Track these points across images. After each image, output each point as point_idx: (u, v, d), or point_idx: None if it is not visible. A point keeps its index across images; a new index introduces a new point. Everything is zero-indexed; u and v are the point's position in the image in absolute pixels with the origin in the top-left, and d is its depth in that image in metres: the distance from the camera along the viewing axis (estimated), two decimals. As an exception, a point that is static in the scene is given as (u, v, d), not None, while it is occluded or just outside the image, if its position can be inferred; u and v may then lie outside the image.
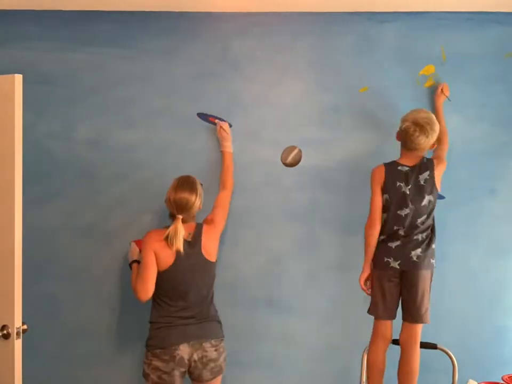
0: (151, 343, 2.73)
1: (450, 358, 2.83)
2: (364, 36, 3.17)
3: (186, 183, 2.78)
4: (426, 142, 2.85)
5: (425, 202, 2.86)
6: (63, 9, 3.20)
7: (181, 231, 2.71)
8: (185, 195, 2.74)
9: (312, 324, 3.20)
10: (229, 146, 3.11)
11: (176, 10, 3.18)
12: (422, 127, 2.82)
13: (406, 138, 2.88)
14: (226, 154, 3.11)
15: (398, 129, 2.94)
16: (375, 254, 2.91)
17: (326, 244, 3.18)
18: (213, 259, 2.82)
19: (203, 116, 3.20)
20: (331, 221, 3.17)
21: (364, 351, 2.95)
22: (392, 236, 2.88)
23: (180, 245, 2.69)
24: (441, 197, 3.13)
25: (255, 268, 3.21)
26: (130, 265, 2.93)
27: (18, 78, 2.36)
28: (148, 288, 2.71)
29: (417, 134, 2.82)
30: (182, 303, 2.75)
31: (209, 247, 2.80)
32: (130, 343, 3.22)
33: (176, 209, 2.74)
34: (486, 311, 3.14)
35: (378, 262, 2.90)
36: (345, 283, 3.16)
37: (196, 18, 3.19)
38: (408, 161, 2.91)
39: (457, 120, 3.13)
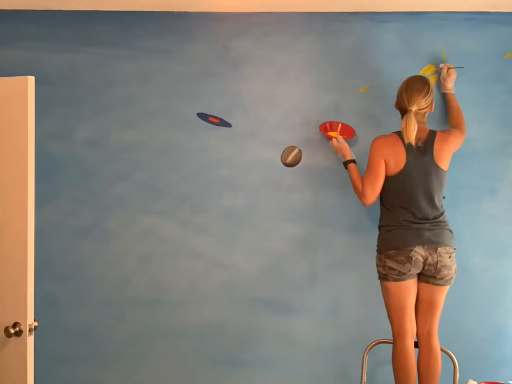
0: (384, 245, 2.80)
1: (452, 359, 2.82)
2: (364, 36, 3.16)
3: (417, 79, 2.85)
4: None
5: None
6: (63, 9, 3.20)
7: (413, 123, 2.73)
8: (416, 87, 2.79)
9: (312, 324, 3.20)
10: (451, 89, 3.08)
11: (176, 10, 3.18)
12: None
13: None
14: (451, 96, 3.08)
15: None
16: None
17: (326, 244, 3.18)
18: (444, 167, 2.80)
19: (203, 116, 3.20)
20: (331, 221, 3.17)
21: (365, 351, 2.94)
22: None
23: (411, 136, 2.72)
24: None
25: (255, 268, 3.21)
26: (344, 165, 2.99)
27: (31, 79, 2.39)
28: (376, 195, 2.81)
29: None
30: (413, 208, 2.77)
31: (442, 154, 2.79)
32: (131, 343, 3.22)
33: (408, 100, 2.78)
34: (486, 311, 3.14)
35: None
36: (345, 283, 3.16)
37: (196, 18, 3.19)
38: None
39: (457, 120, 3.13)
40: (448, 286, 2.79)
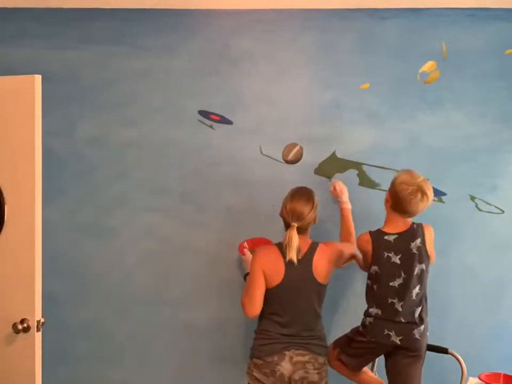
0: (253, 353, 2.72)
1: (460, 363, 2.82)
2: (365, 33, 3.16)
3: (302, 193, 2.76)
4: (423, 207, 2.72)
5: (417, 271, 2.71)
6: (63, 7, 3.19)
7: (295, 239, 2.65)
8: (300, 203, 2.70)
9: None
10: (346, 203, 3.02)
11: (176, 8, 3.18)
12: (424, 193, 2.68)
13: (403, 202, 2.70)
14: (345, 211, 3.01)
15: (389, 191, 2.79)
16: (371, 323, 2.76)
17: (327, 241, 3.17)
18: (324, 281, 2.72)
19: (204, 113, 3.20)
20: (332, 218, 3.16)
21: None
22: (389, 310, 2.72)
23: (293, 255, 2.64)
24: (442, 194, 3.13)
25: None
26: (244, 277, 2.91)
27: (38, 78, 2.47)
28: (255, 307, 2.69)
29: (419, 198, 2.68)
30: (287, 321, 2.69)
31: (321, 268, 2.70)
32: (133, 341, 3.22)
33: (292, 217, 2.68)
34: (488, 308, 3.14)
35: (376, 333, 2.75)
36: (346, 280, 3.16)
37: (196, 16, 3.19)
38: (395, 228, 2.77)
39: (458, 117, 3.13)
40: None
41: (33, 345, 2.44)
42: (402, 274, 2.71)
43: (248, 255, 2.97)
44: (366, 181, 3.16)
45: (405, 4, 3.09)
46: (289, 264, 2.66)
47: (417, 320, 2.72)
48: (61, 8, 3.20)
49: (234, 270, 3.19)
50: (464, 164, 3.12)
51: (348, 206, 3.01)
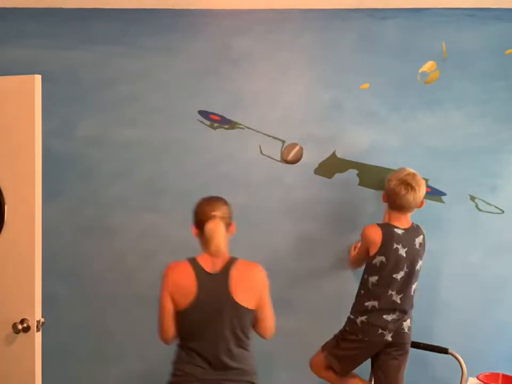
0: None
1: (460, 363, 2.82)
2: (365, 33, 3.16)
3: (213, 198, 2.44)
4: (415, 200, 2.80)
5: (418, 267, 2.79)
6: (63, 7, 3.19)
7: (219, 227, 2.29)
8: (214, 201, 2.41)
9: (312, 322, 3.20)
10: None
11: (177, 8, 3.18)
12: (408, 184, 2.78)
13: (394, 197, 2.81)
14: None
15: (384, 191, 2.92)
16: (364, 322, 2.82)
17: (327, 241, 3.18)
18: (249, 305, 2.30)
19: (204, 113, 3.20)
20: (332, 218, 3.17)
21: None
22: (387, 302, 2.78)
23: (219, 241, 2.28)
24: (442, 193, 3.13)
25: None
26: None
27: (38, 78, 2.48)
28: (167, 334, 2.37)
29: (403, 191, 2.77)
30: (204, 350, 2.30)
31: (242, 288, 2.29)
32: (131, 342, 3.22)
33: (208, 212, 2.34)
34: (488, 308, 3.14)
35: (369, 332, 2.80)
36: (346, 280, 3.16)
37: (197, 16, 3.19)
38: (400, 224, 2.83)
39: (458, 117, 3.13)
40: None
41: (33, 345, 2.44)
42: (405, 268, 2.77)
43: None
44: (366, 181, 3.16)
45: (405, 4, 3.09)
46: (202, 279, 2.29)
47: (406, 313, 2.79)
48: (61, 8, 3.20)
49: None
50: (464, 163, 3.12)
51: None
